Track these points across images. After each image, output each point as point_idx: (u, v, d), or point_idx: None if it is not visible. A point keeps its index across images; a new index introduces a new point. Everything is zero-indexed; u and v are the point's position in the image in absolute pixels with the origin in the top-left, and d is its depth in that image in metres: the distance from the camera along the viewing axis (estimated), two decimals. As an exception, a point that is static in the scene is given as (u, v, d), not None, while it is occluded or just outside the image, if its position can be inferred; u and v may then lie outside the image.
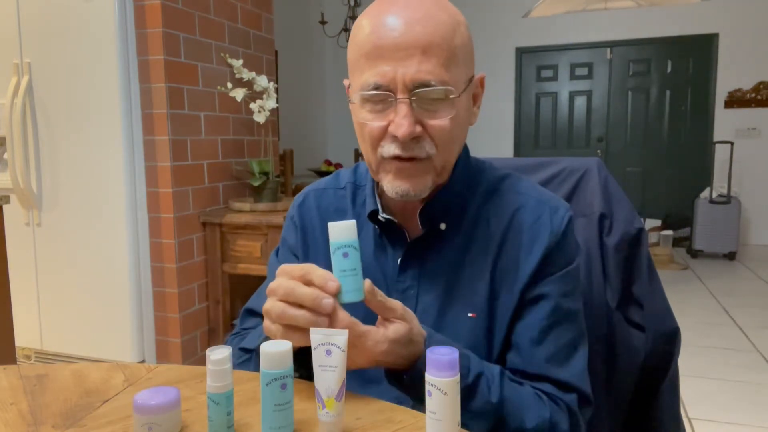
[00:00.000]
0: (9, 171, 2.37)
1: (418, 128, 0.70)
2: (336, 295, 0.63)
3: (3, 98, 2.40)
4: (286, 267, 0.66)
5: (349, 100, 0.79)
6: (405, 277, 0.79)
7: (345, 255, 0.64)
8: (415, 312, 0.78)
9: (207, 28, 2.55)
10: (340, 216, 0.86)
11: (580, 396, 0.75)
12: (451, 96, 0.71)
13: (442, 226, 0.79)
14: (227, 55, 2.65)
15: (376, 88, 0.70)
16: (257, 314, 0.86)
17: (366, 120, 0.73)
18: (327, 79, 6.57)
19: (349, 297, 0.64)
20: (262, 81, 2.58)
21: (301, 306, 0.62)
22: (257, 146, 2.90)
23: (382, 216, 0.79)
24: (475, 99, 0.80)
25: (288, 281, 0.64)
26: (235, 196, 2.75)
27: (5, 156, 2.41)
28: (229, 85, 2.57)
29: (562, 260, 0.76)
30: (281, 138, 4.93)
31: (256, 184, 2.50)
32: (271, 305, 0.64)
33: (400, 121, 0.69)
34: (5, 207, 1.84)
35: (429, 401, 0.55)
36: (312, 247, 0.86)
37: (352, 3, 4.85)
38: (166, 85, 2.31)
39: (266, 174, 2.54)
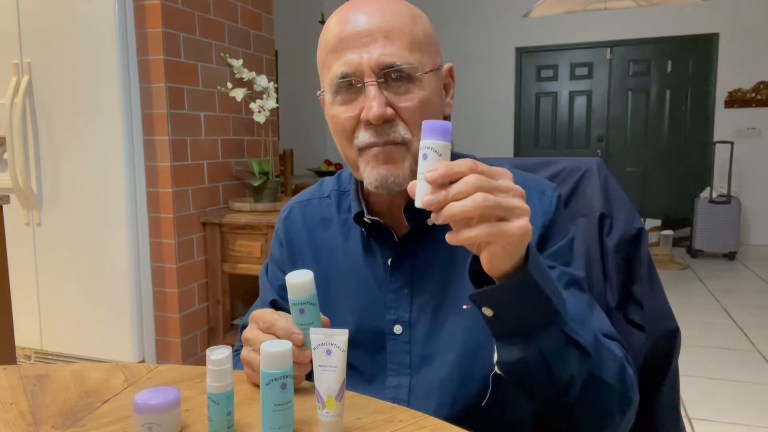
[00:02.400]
0: (9, 171, 2.37)
1: (389, 110, 0.71)
2: (300, 346, 0.66)
3: (3, 98, 2.40)
4: (255, 315, 0.71)
5: (324, 108, 0.80)
6: (397, 277, 0.79)
7: (301, 311, 0.67)
8: (410, 310, 0.78)
9: (207, 28, 2.55)
10: (325, 225, 0.86)
11: (620, 342, 0.75)
12: (418, 74, 0.72)
13: (430, 221, 0.79)
14: (227, 55, 2.65)
15: (344, 76, 0.71)
16: None
17: (338, 113, 0.74)
18: (327, 79, 6.56)
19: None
20: (262, 81, 2.58)
21: None
22: (257, 146, 2.90)
23: (367, 218, 0.79)
24: (447, 89, 0.80)
25: (257, 334, 0.69)
26: (235, 196, 2.75)
27: (5, 156, 2.41)
28: (229, 85, 2.57)
29: (557, 236, 0.77)
30: (281, 138, 4.93)
31: (256, 184, 2.50)
32: (247, 353, 0.70)
33: (371, 104, 0.70)
34: (5, 207, 1.84)
35: (424, 163, 0.55)
36: (299, 261, 0.87)
37: (352, 3, 4.84)
38: (166, 85, 2.31)
39: (266, 174, 2.54)
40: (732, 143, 5.03)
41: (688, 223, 5.37)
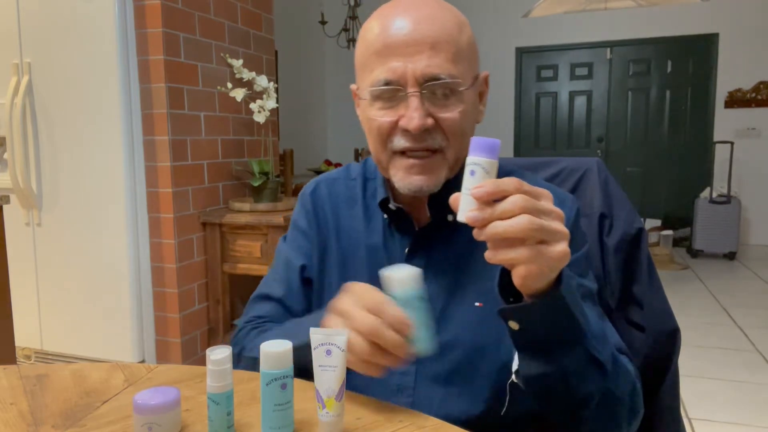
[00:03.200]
0: (9, 171, 2.37)
1: (430, 120, 0.71)
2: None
3: (3, 98, 2.40)
4: (355, 288, 0.64)
5: (357, 104, 0.80)
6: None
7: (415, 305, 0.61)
8: None
9: (207, 28, 2.55)
10: (351, 204, 0.87)
11: (629, 357, 0.76)
12: (461, 89, 0.73)
13: (450, 217, 0.79)
14: (227, 55, 2.65)
15: (387, 83, 0.72)
16: (272, 300, 0.87)
17: (376, 116, 0.74)
18: (327, 79, 6.57)
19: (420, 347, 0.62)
20: (262, 81, 2.58)
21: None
22: (257, 146, 2.90)
23: (393, 204, 0.81)
24: (481, 97, 0.82)
25: (362, 314, 0.61)
26: (235, 196, 2.75)
27: (5, 156, 2.41)
28: (229, 85, 2.57)
29: (573, 247, 0.76)
30: (281, 138, 4.93)
31: (256, 184, 2.50)
32: (354, 337, 0.61)
33: (412, 114, 0.70)
34: (5, 207, 1.84)
35: (471, 179, 0.56)
36: (324, 233, 0.87)
37: (352, 3, 4.85)
38: (166, 85, 2.31)
39: (266, 174, 2.54)
40: (732, 143, 5.03)
41: (688, 223, 5.37)
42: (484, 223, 0.54)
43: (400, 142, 0.73)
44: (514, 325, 0.60)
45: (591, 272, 0.80)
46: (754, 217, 5.57)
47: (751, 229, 5.59)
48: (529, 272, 0.55)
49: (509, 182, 0.54)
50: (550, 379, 0.63)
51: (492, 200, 0.54)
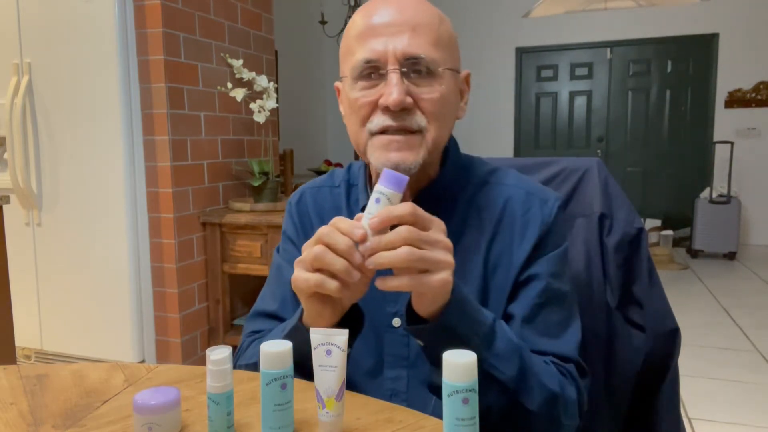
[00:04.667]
0: (9, 171, 2.37)
1: (409, 99, 0.71)
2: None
3: (3, 98, 2.40)
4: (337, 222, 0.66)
5: (340, 100, 0.81)
6: None
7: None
8: (409, 304, 0.78)
9: (207, 28, 2.55)
10: (335, 212, 0.86)
11: (577, 365, 0.76)
12: (440, 69, 0.73)
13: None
14: (227, 55, 2.65)
15: (368, 62, 0.72)
16: (267, 316, 0.87)
17: (357, 97, 0.74)
18: (327, 79, 6.57)
19: None
20: (262, 81, 2.58)
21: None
22: (257, 146, 2.90)
23: None
24: (462, 94, 0.82)
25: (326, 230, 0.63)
26: (235, 196, 2.75)
27: (5, 156, 2.41)
28: (229, 85, 2.57)
29: (551, 244, 0.78)
30: (281, 138, 4.93)
31: (256, 184, 2.50)
32: (307, 252, 0.63)
33: (391, 90, 0.70)
34: (5, 207, 1.84)
35: (375, 206, 0.61)
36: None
37: (352, 3, 4.85)
38: (166, 85, 2.31)
39: (266, 174, 2.54)
40: (732, 143, 5.03)
41: (688, 223, 5.37)
42: (372, 253, 0.59)
43: (379, 120, 0.73)
44: (419, 342, 0.66)
45: (566, 273, 0.80)
46: (754, 217, 5.57)
47: (751, 229, 5.59)
48: (418, 297, 0.62)
49: (402, 208, 0.59)
50: None
51: (386, 228, 0.59)
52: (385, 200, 0.60)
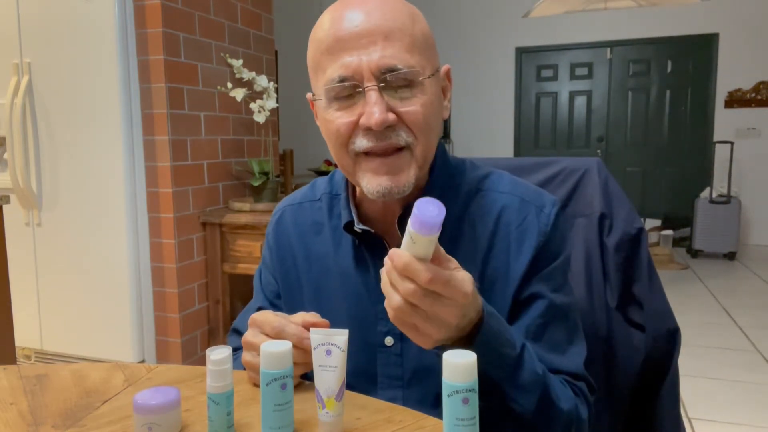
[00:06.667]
0: (9, 171, 2.37)
1: (391, 116, 0.67)
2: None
3: (3, 98, 2.40)
4: (257, 319, 0.69)
5: (315, 114, 0.76)
6: None
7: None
8: None
9: (207, 28, 2.55)
10: (317, 229, 0.83)
11: (588, 384, 0.75)
12: (420, 78, 0.68)
13: None
14: (227, 55, 2.65)
15: (342, 80, 0.67)
16: (239, 333, 0.85)
17: (334, 118, 0.69)
18: (327, 79, 6.56)
19: None
20: (262, 81, 2.58)
21: None
22: (257, 146, 2.90)
23: (358, 227, 0.76)
24: (445, 92, 0.77)
25: (262, 338, 0.67)
26: (235, 196, 2.75)
27: (5, 156, 2.41)
28: (229, 85, 2.57)
29: (550, 256, 0.75)
30: (281, 138, 4.93)
31: (256, 184, 2.50)
32: (251, 357, 0.69)
33: (372, 110, 0.66)
34: (5, 207, 1.84)
35: (409, 244, 0.55)
36: (291, 268, 0.84)
37: (352, 3, 4.84)
38: (166, 85, 2.31)
39: (266, 174, 2.54)
40: (732, 143, 5.03)
41: (688, 223, 5.37)
42: (388, 294, 0.57)
43: (362, 142, 0.68)
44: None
45: (568, 281, 0.78)
46: (754, 217, 5.57)
47: (751, 229, 5.59)
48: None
49: (421, 275, 0.54)
50: None
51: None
52: (410, 242, 0.54)
